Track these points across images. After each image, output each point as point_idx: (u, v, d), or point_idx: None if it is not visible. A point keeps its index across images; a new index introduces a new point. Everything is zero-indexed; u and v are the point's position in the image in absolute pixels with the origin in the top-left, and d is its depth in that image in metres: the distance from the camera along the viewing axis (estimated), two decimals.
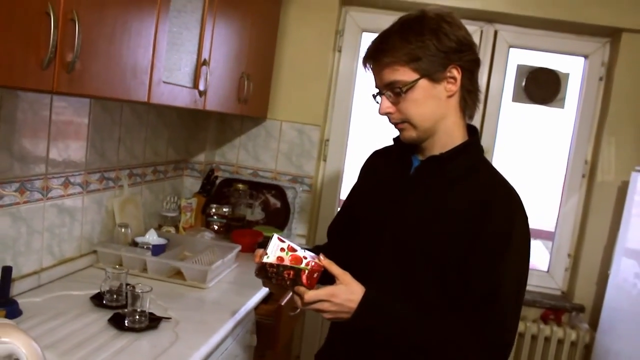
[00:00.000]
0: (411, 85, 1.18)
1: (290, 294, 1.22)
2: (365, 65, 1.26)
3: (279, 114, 2.86)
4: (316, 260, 1.17)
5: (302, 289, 1.15)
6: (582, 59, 2.79)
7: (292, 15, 2.79)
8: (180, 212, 2.59)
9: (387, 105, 1.22)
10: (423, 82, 1.19)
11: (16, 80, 1.08)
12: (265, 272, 1.18)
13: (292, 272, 1.16)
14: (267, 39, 2.67)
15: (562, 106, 2.81)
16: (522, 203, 1.22)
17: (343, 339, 1.32)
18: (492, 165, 1.30)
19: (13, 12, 1.02)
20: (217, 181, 2.86)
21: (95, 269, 1.94)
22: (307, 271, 1.15)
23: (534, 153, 2.98)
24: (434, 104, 1.21)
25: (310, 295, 1.14)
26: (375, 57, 1.22)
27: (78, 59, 1.19)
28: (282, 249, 1.17)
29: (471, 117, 1.29)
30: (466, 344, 1.15)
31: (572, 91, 2.80)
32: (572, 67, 2.80)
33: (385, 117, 1.26)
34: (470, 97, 1.25)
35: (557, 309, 2.76)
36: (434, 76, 1.19)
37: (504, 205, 1.19)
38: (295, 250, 1.18)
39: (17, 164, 1.60)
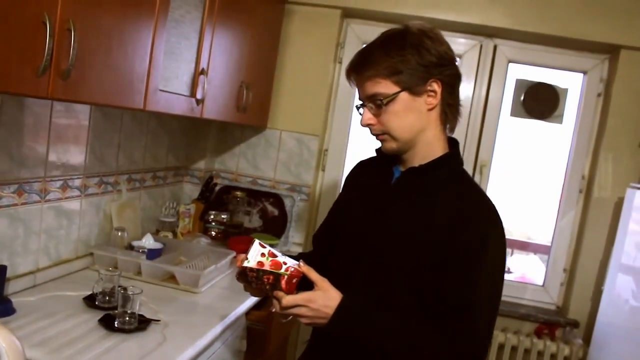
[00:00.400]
0: (392, 97, 1.22)
1: None
2: (348, 78, 1.30)
3: (279, 123, 2.90)
4: (296, 267, 1.21)
5: (280, 293, 1.18)
6: (581, 74, 2.81)
7: (294, 26, 2.84)
8: (178, 218, 2.63)
9: (369, 117, 1.26)
10: (404, 95, 1.22)
11: (12, 86, 1.13)
12: (246, 277, 1.21)
13: (271, 277, 1.19)
14: (268, 49, 2.72)
15: (560, 121, 2.83)
16: (499, 216, 1.25)
17: (323, 344, 1.35)
18: (470, 178, 1.33)
19: (9, 21, 1.07)
20: (216, 188, 2.90)
21: (91, 271, 1.98)
22: (286, 276, 1.18)
23: (531, 168, 2.99)
24: (414, 117, 1.24)
25: (287, 299, 1.17)
26: (358, 69, 1.25)
27: (73, 67, 1.23)
28: (262, 254, 1.21)
29: (452, 129, 1.32)
30: (438, 353, 1.17)
31: (571, 106, 2.82)
32: (570, 82, 2.82)
33: (367, 129, 1.30)
34: (450, 111, 1.28)
35: (551, 324, 2.76)
36: (415, 89, 1.22)
37: (479, 217, 1.22)
38: (275, 256, 1.21)
39: (16, 166, 1.64)
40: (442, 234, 1.20)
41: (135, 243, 2.14)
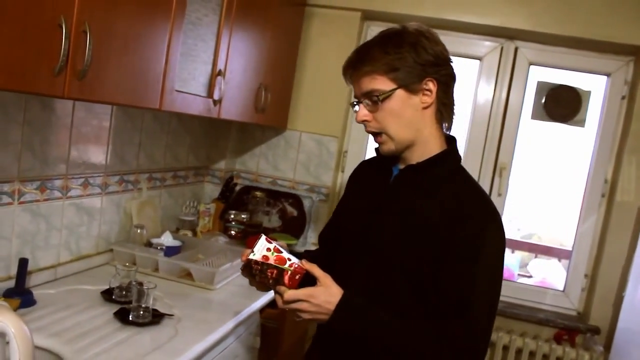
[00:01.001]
0: (388, 94, 1.24)
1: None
2: (345, 75, 1.33)
3: (298, 124, 2.93)
4: (299, 263, 1.23)
5: (283, 288, 1.21)
6: (605, 77, 2.77)
7: (315, 29, 2.87)
8: (198, 217, 2.69)
9: (365, 113, 1.28)
10: (400, 92, 1.24)
11: (29, 86, 1.18)
12: (250, 270, 1.24)
13: (275, 272, 1.21)
14: (288, 51, 2.75)
15: (582, 125, 2.79)
16: (497, 211, 1.27)
17: (326, 341, 1.37)
18: (468, 175, 1.35)
19: (27, 24, 1.12)
20: (237, 188, 2.94)
21: (111, 267, 2.04)
22: (289, 272, 1.21)
23: (552, 171, 2.96)
24: (409, 114, 1.26)
25: (289, 294, 1.19)
26: (355, 66, 1.27)
27: (89, 67, 1.28)
28: (268, 249, 1.23)
29: (449, 128, 1.34)
30: (439, 349, 1.18)
31: (593, 109, 2.78)
32: (593, 85, 2.78)
33: (363, 125, 1.32)
34: (445, 110, 1.30)
35: (571, 330, 2.72)
36: (411, 87, 1.24)
37: (476, 213, 1.24)
38: (280, 252, 1.24)
39: (39, 163, 1.71)
40: (441, 230, 1.21)
41: (154, 240, 2.20)
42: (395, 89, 1.24)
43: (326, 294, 1.20)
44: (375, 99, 1.25)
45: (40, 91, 1.21)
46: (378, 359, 1.25)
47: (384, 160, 1.37)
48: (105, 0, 1.33)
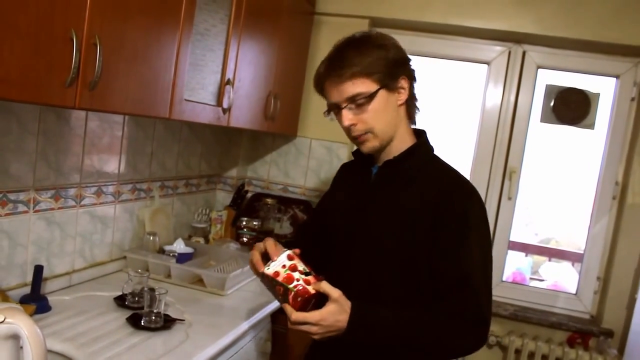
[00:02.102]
0: (373, 95, 1.29)
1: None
2: (319, 85, 1.38)
3: (309, 131, 2.96)
4: (304, 285, 1.21)
5: (289, 309, 1.21)
6: (614, 79, 2.76)
7: (323, 37, 2.90)
8: (210, 224, 2.72)
9: (350, 117, 1.32)
10: (382, 92, 1.31)
11: (42, 97, 1.22)
12: (264, 281, 1.27)
13: (282, 289, 1.23)
14: (297, 60, 2.79)
15: (592, 127, 2.78)
16: (474, 188, 1.33)
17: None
18: (443, 161, 1.41)
19: (39, 38, 1.16)
20: (248, 195, 2.98)
21: (124, 274, 2.07)
22: (292, 292, 1.21)
23: (562, 174, 2.95)
24: (391, 113, 1.33)
25: (297, 316, 1.20)
26: (335, 72, 1.31)
27: (99, 78, 1.32)
28: (283, 266, 1.24)
29: (414, 122, 1.43)
30: (451, 330, 1.23)
31: (603, 112, 2.77)
32: (602, 87, 2.78)
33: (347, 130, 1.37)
34: (413, 104, 1.39)
35: (584, 333, 2.71)
36: (390, 86, 1.31)
37: (456, 191, 1.30)
38: (295, 270, 1.23)
39: (54, 173, 1.76)
40: (426, 214, 1.27)
41: (166, 247, 2.24)
42: (378, 90, 1.29)
43: (336, 313, 1.20)
44: (361, 102, 1.30)
45: (52, 102, 1.25)
46: (387, 354, 1.28)
47: (363, 162, 1.44)
48: (115, 13, 1.38)
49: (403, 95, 1.34)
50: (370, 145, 1.35)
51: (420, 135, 1.42)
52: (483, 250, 1.29)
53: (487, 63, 2.84)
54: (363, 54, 1.28)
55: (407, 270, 1.29)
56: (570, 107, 2.79)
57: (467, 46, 2.84)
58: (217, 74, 1.97)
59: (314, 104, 2.93)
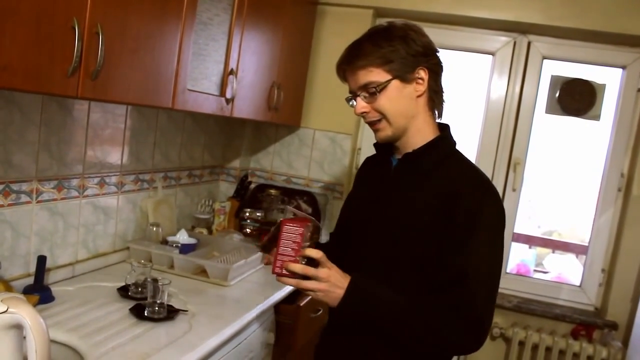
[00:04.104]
0: (385, 85, 1.29)
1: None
2: (338, 72, 1.39)
3: (312, 122, 2.95)
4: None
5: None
6: (620, 69, 2.74)
7: (327, 27, 2.88)
8: (214, 215, 2.72)
9: (363, 105, 1.33)
10: (395, 83, 1.30)
11: (43, 87, 1.21)
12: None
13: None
14: (301, 50, 2.77)
15: (597, 118, 2.76)
16: (492, 186, 1.32)
17: (338, 329, 1.40)
18: (463, 156, 1.39)
19: (40, 27, 1.15)
20: (251, 186, 2.97)
21: (127, 264, 2.07)
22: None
23: (567, 165, 2.94)
24: (405, 102, 1.32)
25: (307, 270, 1.24)
26: (349, 61, 1.33)
27: (102, 68, 1.31)
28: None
29: (440, 115, 1.41)
30: (442, 322, 1.22)
31: (609, 103, 2.75)
32: (608, 78, 2.75)
33: (361, 117, 1.38)
34: (437, 97, 1.37)
35: (588, 325, 2.70)
36: (404, 77, 1.30)
37: (472, 189, 1.28)
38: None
39: (56, 163, 1.75)
40: (439, 210, 1.26)
41: (169, 238, 2.23)
42: (390, 80, 1.29)
43: (339, 275, 1.26)
44: (372, 91, 1.30)
45: (54, 91, 1.24)
46: (386, 347, 1.28)
47: (384, 154, 1.43)
48: (117, 2, 1.36)
49: (421, 87, 1.32)
50: (384, 134, 1.35)
51: (443, 129, 1.41)
52: (492, 251, 1.26)
53: (492, 54, 2.82)
54: (379, 44, 1.28)
55: (419, 265, 1.28)
56: (576, 98, 2.76)
57: (472, 36, 2.82)
58: (220, 63, 1.96)
59: (318, 94, 2.92)
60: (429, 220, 1.27)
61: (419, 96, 1.33)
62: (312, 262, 1.26)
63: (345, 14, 2.85)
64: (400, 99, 1.31)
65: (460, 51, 2.88)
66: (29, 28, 1.13)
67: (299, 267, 1.24)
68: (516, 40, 2.78)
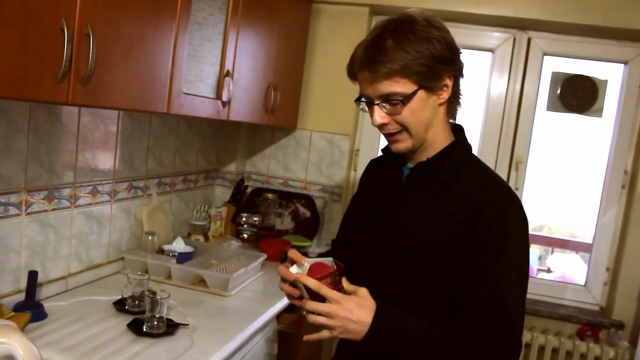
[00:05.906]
0: (411, 97, 1.17)
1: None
2: (353, 74, 1.24)
3: (309, 124, 2.88)
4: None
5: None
6: (622, 65, 2.69)
7: (322, 26, 2.81)
8: (210, 221, 2.64)
9: (383, 115, 1.21)
10: (420, 93, 1.18)
11: (31, 93, 1.13)
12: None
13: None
14: (296, 49, 2.70)
15: (599, 115, 2.71)
16: (516, 197, 1.23)
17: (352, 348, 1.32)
18: (481, 163, 1.31)
19: (27, 29, 1.07)
20: (248, 190, 2.89)
21: (122, 275, 1.99)
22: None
23: (570, 163, 2.89)
24: (428, 112, 1.21)
25: (318, 288, 1.12)
26: (371, 67, 1.17)
27: (93, 72, 1.23)
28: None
29: (454, 117, 1.31)
30: (481, 348, 1.14)
31: (611, 99, 2.70)
32: (610, 73, 2.70)
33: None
34: (456, 101, 1.28)
35: (594, 325, 2.66)
36: (431, 86, 1.19)
37: (494, 202, 1.19)
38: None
39: (46, 172, 1.67)
40: (460, 226, 1.17)
41: (166, 247, 2.15)
42: (416, 90, 1.17)
43: (358, 303, 1.13)
44: (395, 102, 1.18)
45: (43, 98, 1.17)
46: None
47: (393, 160, 1.33)
48: (108, 2, 1.29)
49: (445, 94, 1.21)
50: (403, 146, 1.24)
51: (458, 131, 1.30)
52: (520, 268, 1.18)
53: (492, 51, 2.76)
54: (405, 49, 1.14)
55: (436, 280, 1.20)
56: (577, 95, 2.71)
57: (471, 33, 2.76)
58: (215, 65, 1.88)
59: (314, 94, 2.85)
60: (449, 234, 1.18)
61: (441, 104, 1.23)
62: (320, 297, 1.14)
63: (341, 12, 2.79)
64: (423, 110, 1.19)
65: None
66: (14, 30, 1.05)
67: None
68: (516, 37, 2.72)
